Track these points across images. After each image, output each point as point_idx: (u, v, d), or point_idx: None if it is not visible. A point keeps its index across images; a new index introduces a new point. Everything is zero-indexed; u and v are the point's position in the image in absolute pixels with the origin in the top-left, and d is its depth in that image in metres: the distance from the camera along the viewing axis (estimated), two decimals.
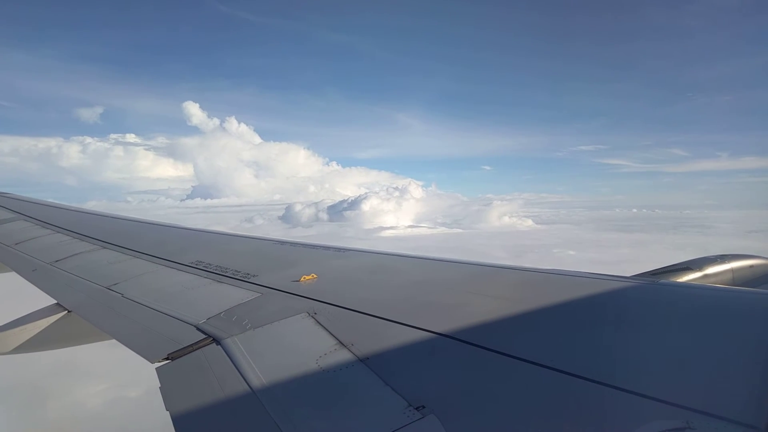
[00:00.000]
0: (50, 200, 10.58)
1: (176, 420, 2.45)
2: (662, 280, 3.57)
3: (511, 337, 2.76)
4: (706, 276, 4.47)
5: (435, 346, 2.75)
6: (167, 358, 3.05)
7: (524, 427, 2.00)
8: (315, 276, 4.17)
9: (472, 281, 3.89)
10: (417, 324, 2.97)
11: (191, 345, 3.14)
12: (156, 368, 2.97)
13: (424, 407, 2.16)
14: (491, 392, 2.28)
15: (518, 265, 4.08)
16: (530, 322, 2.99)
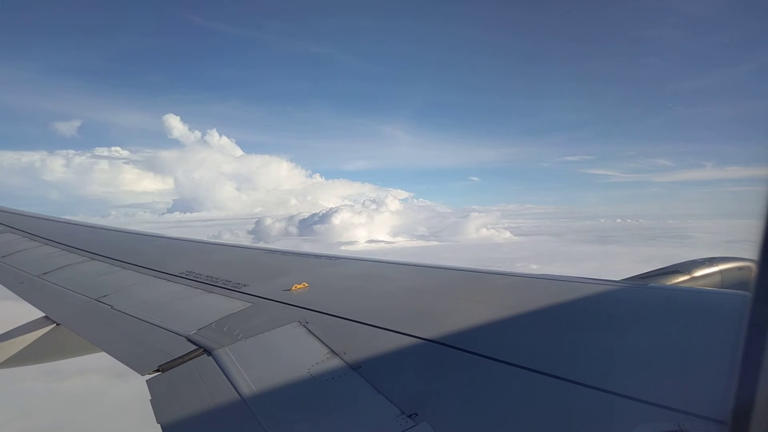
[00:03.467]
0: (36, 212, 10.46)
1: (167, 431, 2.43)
2: (651, 284, 3.60)
3: (503, 343, 2.77)
4: (694, 279, 4.51)
5: (427, 353, 2.75)
6: (158, 370, 3.03)
7: None
8: (306, 285, 4.16)
9: (462, 287, 3.90)
10: (409, 331, 2.97)
11: (182, 356, 3.12)
12: (146, 380, 2.94)
13: (416, 414, 2.15)
14: (484, 398, 2.28)
15: (509, 270, 4.10)
16: (521, 326, 3.00)
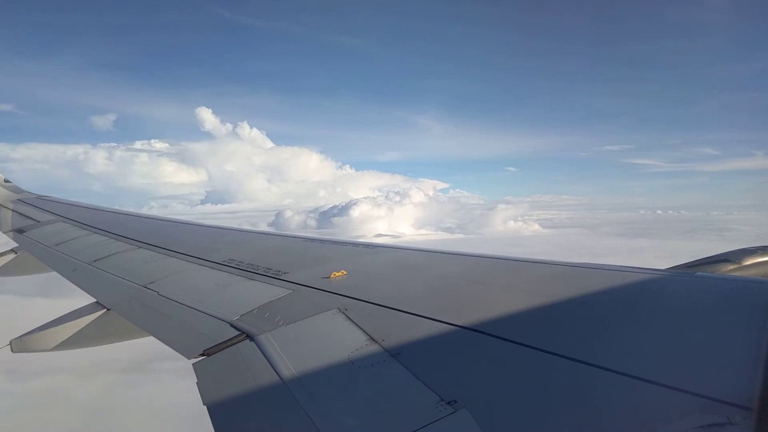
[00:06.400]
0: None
1: (213, 413, 2.51)
2: (699, 273, 3.48)
3: (543, 332, 2.74)
4: (745, 268, 4.32)
5: (465, 341, 2.75)
6: (203, 354, 3.13)
7: (558, 422, 1.98)
8: (345, 272, 4.20)
9: (502, 275, 3.86)
10: (447, 319, 2.97)
11: (226, 341, 3.21)
12: (192, 364, 3.05)
13: (455, 402, 2.16)
14: (523, 387, 2.26)
15: (548, 258, 4.03)
16: (563, 316, 2.95)
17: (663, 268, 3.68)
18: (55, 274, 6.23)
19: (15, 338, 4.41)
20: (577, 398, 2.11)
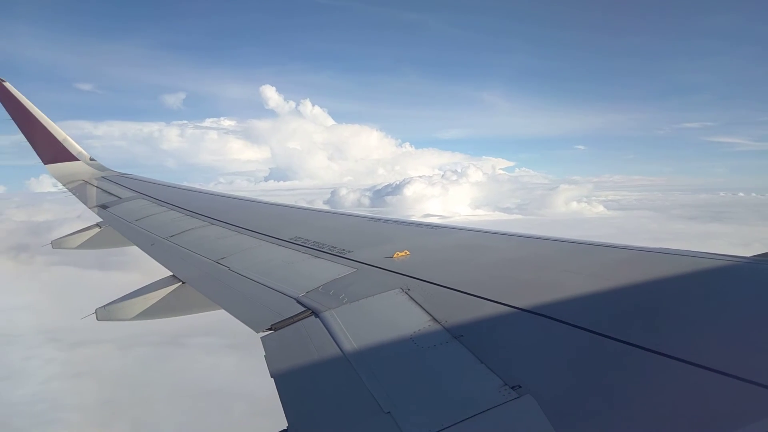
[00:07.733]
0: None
1: (279, 384, 2.62)
2: None
3: (611, 319, 2.64)
4: None
5: (529, 325, 2.70)
6: (270, 329, 3.25)
7: (627, 413, 1.92)
8: (407, 252, 4.22)
9: (568, 259, 3.76)
10: (511, 302, 2.93)
11: (292, 317, 3.32)
12: (261, 337, 3.18)
13: (520, 387, 2.13)
14: (590, 374, 2.21)
15: (617, 243, 3.87)
16: (633, 302, 2.84)
17: (747, 255, 3.45)
18: (135, 247, 6.61)
19: (100, 307, 4.73)
20: (648, 389, 2.03)
